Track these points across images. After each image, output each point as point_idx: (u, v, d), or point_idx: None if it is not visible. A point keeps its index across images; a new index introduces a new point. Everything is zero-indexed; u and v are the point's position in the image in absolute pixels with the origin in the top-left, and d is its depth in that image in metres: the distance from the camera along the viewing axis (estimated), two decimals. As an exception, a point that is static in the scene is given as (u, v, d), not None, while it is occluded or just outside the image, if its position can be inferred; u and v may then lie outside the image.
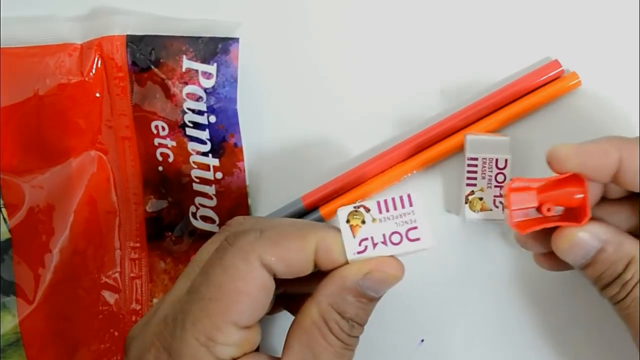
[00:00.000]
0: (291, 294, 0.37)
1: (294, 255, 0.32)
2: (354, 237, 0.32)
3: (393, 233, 0.32)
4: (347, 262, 0.32)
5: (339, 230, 0.32)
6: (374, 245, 0.32)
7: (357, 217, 0.32)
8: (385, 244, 0.32)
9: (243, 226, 0.35)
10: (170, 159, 0.43)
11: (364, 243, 0.32)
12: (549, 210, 0.33)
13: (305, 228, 0.32)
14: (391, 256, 0.32)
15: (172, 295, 0.34)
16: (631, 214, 0.35)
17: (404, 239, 0.32)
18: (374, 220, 0.32)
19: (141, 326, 0.34)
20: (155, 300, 0.43)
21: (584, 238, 0.32)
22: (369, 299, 0.32)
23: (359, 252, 0.32)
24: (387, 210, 0.32)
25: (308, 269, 0.32)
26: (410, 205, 0.32)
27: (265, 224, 0.34)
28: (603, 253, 0.32)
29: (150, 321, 0.34)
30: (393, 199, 0.32)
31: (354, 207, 0.32)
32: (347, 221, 0.32)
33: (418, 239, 0.32)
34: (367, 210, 0.32)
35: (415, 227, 0.32)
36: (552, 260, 0.37)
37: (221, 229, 0.36)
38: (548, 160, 0.33)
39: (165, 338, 0.32)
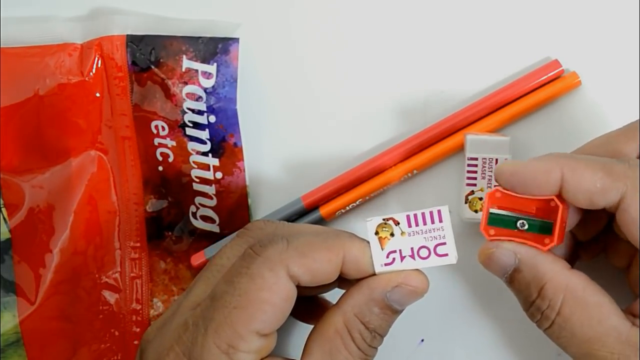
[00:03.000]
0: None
1: (321, 266, 0.32)
2: (382, 249, 0.32)
3: (421, 247, 0.32)
4: (373, 274, 0.33)
5: (365, 240, 0.33)
6: (402, 258, 0.32)
7: (386, 229, 0.32)
8: (413, 258, 0.32)
9: (264, 231, 0.35)
10: (170, 159, 0.43)
11: (392, 255, 0.32)
12: (522, 225, 0.33)
13: (331, 239, 0.32)
14: (418, 270, 0.33)
15: (190, 300, 0.33)
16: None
17: (432, 253, 0.32)
18: (402, 233, 0.32)
19: (157, 329, 0.34)
20: (155, 300, 0.43)
21: (498, 255, 0.33)
22: (393, 312, 0.33)
23: (386, 264, 0.32)
24: (417, 225, 0.32)
25: (332, 279, 0.33)
26: (440, 220, 0.32)
27: (290, 231, 0.34)
28: (519, 273, 0.33)
29: (167, 325, 0.34)
30: (423, 214, 0.32)
31: (383, 220, 0.32)
32: (376, 233, 0.32)
33: (446, 255, 0.32)
34: (397, 223, 0.32)
35: (444, 243, 0.32)
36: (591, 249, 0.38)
37: (240, 232, 0.36)
38: (495, 177, 0.33)
39: (184, 343, 0.32)
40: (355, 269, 0.32)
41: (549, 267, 0.32)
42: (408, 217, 0.32)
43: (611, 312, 0.32)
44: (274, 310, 0.31)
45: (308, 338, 0.33)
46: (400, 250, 0.32)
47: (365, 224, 0.33)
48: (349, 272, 0.33)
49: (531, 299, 0.33)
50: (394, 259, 0.32)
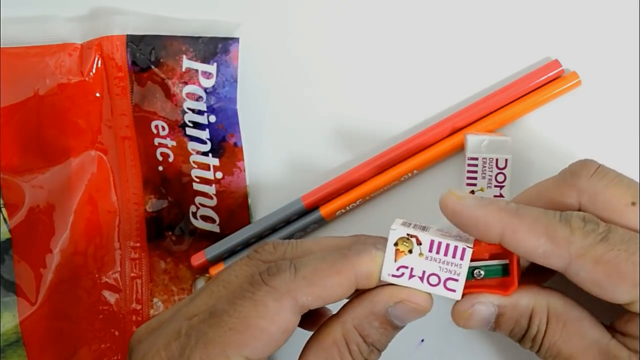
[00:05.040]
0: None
1: (332, 292, 0.31)
2: (395, 261, 0.32)
3: (433, 274, 0.32)
4: (380, 284, 0.32)
5: (376, 250, 0.32)
6: (411, 276, 0.32)
7: (407, 245, 0.32)
8: (422, 280, 0.32)
9: (274, 256, 0.34)
10: (171, 159, 0.43)
11: (402, 270, 0.32)
12: (479, 274, 0.33)
13: (340, 261, 0.32)
14: (423, 292, 0.32)
15: (190, 309, 0.33)
16: None
17: (441, 284, 0.32)
18: (420, 254, 0.32)
19: (149, 331, 0.34)
20: (155, 300, 0.43)
21: (478, 310, 0.33)
22: (393, 327, 0.32)
23: (393, 276, 0.32)
24: (437, 253, 0.32)
25: (345, 297, 0.32)
26: (461, 258, 0.32)
27: (297, 254, 0.33)
28: (503, 316, 0.33)
29: (160, 328, 0.33)
30: (447, 245, 0.32)
31: (408, 234, 0.32)
32: (395, 244, 0.32)
33: (453, 290, 0.32)
34: (419, 243, 0.32)
35: (456, 280, 0.32)
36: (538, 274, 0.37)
37: (250, 254, 0.35)
38: (439, 206, 0.33)
39: (171, 351, 0.31)
40: (365, 283, 0.32)
41: (529, 295, 0.32)
42: (432, 242, 0.32)
43: (591, 325, 0.32)
44: (269, 340, 0.31)
45: (305, 346, 0.33)
46: (412, 269, 0.32)
47: (389, 231, 0.32)
48: (359, 285, 0.32)
49: (523, 331, 0.33)
50: (403, 273, 0.32)
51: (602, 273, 0.30)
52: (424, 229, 0.33)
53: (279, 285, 0.31)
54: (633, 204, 0.32)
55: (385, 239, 0.32)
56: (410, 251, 0.32)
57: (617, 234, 0.31)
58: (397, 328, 0.33)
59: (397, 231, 0.32)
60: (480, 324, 0.33)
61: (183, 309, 0.33)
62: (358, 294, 0.33)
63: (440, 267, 0.32)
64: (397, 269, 0.32)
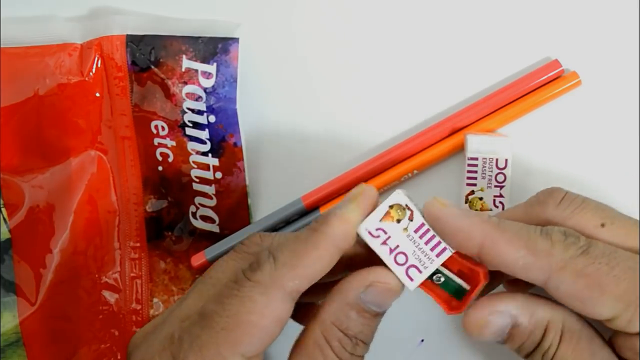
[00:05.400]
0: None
1: (315, 267, 0.31)
2: (380, 221, 0.31)
3: (402, 254, 0.31)
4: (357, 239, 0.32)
5: (337, 211, 0.31)
6: (383, 243, 0.31)
7: (399, 213, 0.31)
8: (390, 253, 0.31)
9: (261, 246, 0.34)
10: (170, 159, 0.43)
11: (380, 233, 0.31)
12: (438, 279, 0.32)
13: (313, 235, 0.31)
14: (388, 269, 0.31)
15: (182, 311, 0.33)
16: None
17: (404, 267, 0.31)
18: (405, 229, 0.31)
19: (145, 335, 0.34)
20: (155, 300, 0.43)
21: (493, 321, 0.32)
22: (373, 315, 0.32)
23: (370, 233, 0.31)
24: (420, 238, 0.31)
25: (331, 267, 0.31)
26: (437, 256, 0.31)
27: (275, 243, 0.33)
28: (517, 327, 0.32)
29: (155, 332, 0.33)
30: (432, 237, 0.31)
31: (406, 205, 0.31)
32: (391, 207, 0.31)
33: (411, 280, 0.31)
34: (410, 219, 0.31)
35: (420, 272, 0.31)
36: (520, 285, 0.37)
37: (237, 247, 0.35)
38: (424, 210, 0.32)
39: (167, 356, 0.31)
40: (345, 244, 0.31)
41: (546, 308, 0.32)
42: (422, 225, 0.31)
43: (601, 345, 0.32)
44: (263, 334, 0.30)
45: (290, 352, 0.32)
46: (388, 237, 0.31)
47: (394, 191, 0.31)
48: (342, 249, 0.31)
49: (535, 344, 0.32)
50: (378, 236, 0.31)
51: (582, 286, 0.30)
52: (421, 212, 0.32)
53: (261, 278, 0.31)
54: (602, 225, 0.32)
55: (349, 201, 0.31)
56: (398, 220, 0.31)
57: (597, 247, 0.31)
58: (377, 315, 0.32)
59: (399, 196, 0.31)
60: (495, 334, 0.32)
61: (175, 310, 0.33)
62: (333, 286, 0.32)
63: (414, 251, 0.31)
64: (376, 230, 0.31)
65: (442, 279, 0.32)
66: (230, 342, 0.30)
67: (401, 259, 0.31)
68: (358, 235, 0.31)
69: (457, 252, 0.32)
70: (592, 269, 0.30)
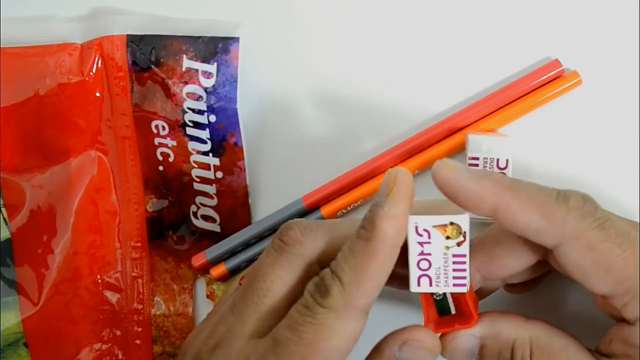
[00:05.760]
0: None
1: (379, 277, 0.30)
2: (433, 226, 0.30)
3: (429, 262, 0.31)
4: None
5: (384, 209, 0.30)
6: (420, 244, 0.31)
7: (454, 233, 0.31)
8: (419, 254, 0.31)
9: (305, 247, 0.33)
10: (171, 159, 0.43)
11: (424, 234, 0.31)
12: (438, 295, 0.32)
13: (368, 247, 0.30)
14: (425, 327, 0.32)
15: (246, 329, 0.32)
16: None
17: (420, 272, 0.31)
18: (446, 248, 0.31)
19: (211, 350, 0.33)
20: (157, 300, 0.43)
21: (459, 344, 0.32)
22: None
23: (416, 229, 0.30)
24: (453, 264, 0.31)
25: (392, 268, 0.31)
26: (454, 286, 0.31)
27: (328, 243, 0.32)
28: (485, 349, 0.33)
29: (222, 348, 0.32)
30: (463, 270, 0.31)
31: (465, 232, 0.31)
32: (451, 223, 0.31)
33: (417, 285, 0.31)
34: (458, 245, 0.31)
35: (430, 285, 0.31)
36: (519, 287, 0.37)
37: (277, 247, 0.33)
38: (432, 173, 0.32)
39: None
40: (402, 239, 0.30)
41: (511, 327, 0.32)
42: (463, 255, 0.31)
43: (576, 352, 0.32)
44: (340, 355, 0.30)
45: None
46: (427, 243, 0.31)
47: (464, 212, 0.31)
48: (397, 247, 0.30)
49: None
50: (421, 235, 0.31)
51: (590, 260, 0.30)
52: (470, 245, 0.31)
53: (333, 303, 0.30)
54: None
55: (386, 195, 0.30)
56: (447, 237, 0.31)
57: (613, 225, 0.31)
58: None
59: (464, 220, 0.30)
60: (464, 355, 0.33)
61: (236, 328, 0.32)
62: None
63: (439, 267, 0.31)
64: (424, 230, 0.31)
65: (441, 297, 0.32)
66: None
67: (424, 265, 0.31)
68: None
69: (470, 291, 0.32)
70: (603, 246, 0.30)
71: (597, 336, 0.34)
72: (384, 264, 0.30)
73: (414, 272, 0.31)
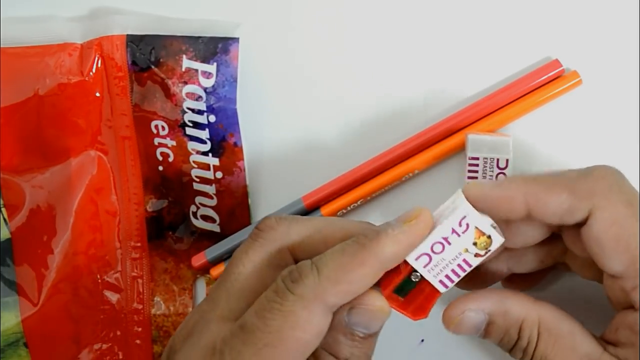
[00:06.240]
0: None
1: (359, 285, 0.30)
2: (472, 230, 0.31)
3: (443, 249, 0.31)
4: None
5: (389, 230, 0.30)
6: (450, 232, 0.31)
7: (483, 244, 0.31)
8: (440, 238, 0.31)
9: (277, 232, 0.33)
10: (171, 159, 0.43)
11: (460, 230, 0.31)
12: (416, 277, 0.32)
13: (360, 252, 0.30)
14: (375, 291, 0.31)
15: (216, 314, 0.32)
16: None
17: (426, 251, 0.31)
18: (466, 251, 0.31)
19: (183, 339, 0.33)
20: (156, 300, 0.43)
21: (468, 317, 0.33)
22: (362, 337, 0.31)
23: (460, 220, 0.31)
24: (458, 265, 0.31)
25: (371, 285, 0.31)
26: (442, 278, 0.32)
27: (301, 232, 0.33)
28: (493, 325, 0.33)
29: (193, 337, 0.32)
30: (458, 274, 0.31)
31: (489, 249, 0.31)
32: (488, 236, 0.31)
33: (415, 259, 0.31)
34: (477, 255, 0.31)
35: (424, 267, 0.31)
36: (518, 283, 0.38)
37: (253, 234, 0.34)
38: (465, 197, 0.32)
39: None
40: (391, 265, 0.31)
41: (520, 306, 0.33)
42: (469, 265, 0.31)
43: (583, 339, 0.32)
44: (305, 348, 0.30)
45: None
46: (457, 236, 0.31)
47: (501, 238, 0.31)
48: (386, 269, 0.31)
49: (513, 342, 0.33)
50: (460, 226, 0.31)
51: (612, 235, 0.30)
52: (484, 257, 0.32)
53: (304, 291, 0.30)
54: None
55: (404, 223, 0.31)
56: (474, 244, 0.31)
57: None
58: (367, 337, 0.31)
59: (497, 242, 0.31)
60: (470, 330, 0.33)
61: (209, 313, 0.32)
62: None
63: (444, 259, 0.31)
64: (460, 226, 0.31)
65: (416, 281, 0.32)
66: (274, 358, 0.29)
67: (437, 248, 0.31)
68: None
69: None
70: (628, 223, 0.30)
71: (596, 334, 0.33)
72: (367, 276, 0.30)
73: (422, 247, 0.31)
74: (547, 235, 0.34)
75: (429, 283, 0.32)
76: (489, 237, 0.31)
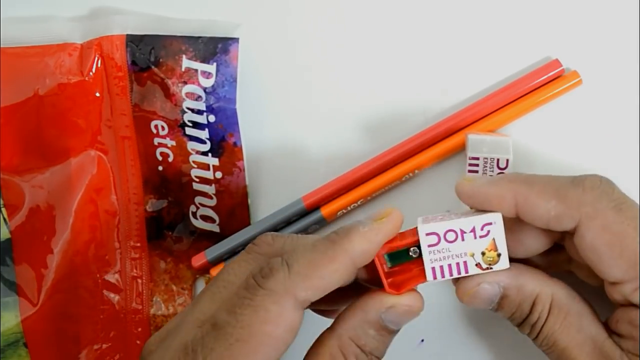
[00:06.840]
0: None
1: (329, 280, 0.31)
2: (487, 234, 0.31)
3: (455, 237, 0.32)
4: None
5: (360, 227, 0.31)
6: (469, 230, 0.31)
7: (491, 255, 0.32)
8: (454, 229, 0.31)
9: (272, 248, 0.34)
10: (170, 159, 0.43)
11: (486, 231, 0.31)
12: (415, 252, 0.32)
13: (331, 248, 0.31)
14: (415, 290, 0.32)
15: (194, 316, 0.32)
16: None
17: (439, 237, 0.32)
18: (472, 256, 0.32)
19: (159, 341, 0.33)
20: (156, 300, 0.43)
21: (483, 289, 0.33)
22: (389, 332, 0.32)
23: (476, 224, 0.31)
24: (465, 261, 0.32)
25: (348, 281, 0.32)
26: (443, 266, 0.32)
27: (290, 249, 0.33)
28: (506, 298, 0.33)
29: (169, 339, 0.33)
30: (460, 269, 0.32)
31: (490, 265, 0.32)
32: (496, 248, 0.31)
33: (425, 231, 0.32)
34: (489, 263, 0.32)
35: (431, 251, 0.32)
36: None
37: (248, 248, 0.34)
38: (456, 194, 0.33)
39: None
40: (362, 261, 0.31)
41: (535, 282, 0.33)
42: (471, 268, 0.32)
43: (591, 321, 0.33)
44: (277, 343, 0.30)
45: None
46: (473, 231, 0.31)
47: (507, 264, 0.32)
48: (358, 265, 0.31)
49: (524, 316, 0.33)
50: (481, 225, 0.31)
51: (605, 242, 0.31)
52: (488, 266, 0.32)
53: (274, 286, 0.30)
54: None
55: (374, 220, 0.31)
56: (483, 253, 0.31)
57: (631, 208, 0.31)
58: (393, 332, 0.32)
59: (506, 265, 0.32)
60: (484, 302, 0.33)
61: (188, 315, 0.33)
62: (350, 304, 0.33)
63: (451, 249, 0.31)
64: (481, 229, 0.31)
65: (415, 255, 0.32)
66: (246, 354, 0.30)
67: (450, 236, 0.31)
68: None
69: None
70: (619, 228, 0.30)
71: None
72: (337, 272, 0.30)
73: (438, 226, 0.31)
74: (549, 245, 0.34)
75: (421, 265, 0.32)
76: (499, 255, 0.31)
